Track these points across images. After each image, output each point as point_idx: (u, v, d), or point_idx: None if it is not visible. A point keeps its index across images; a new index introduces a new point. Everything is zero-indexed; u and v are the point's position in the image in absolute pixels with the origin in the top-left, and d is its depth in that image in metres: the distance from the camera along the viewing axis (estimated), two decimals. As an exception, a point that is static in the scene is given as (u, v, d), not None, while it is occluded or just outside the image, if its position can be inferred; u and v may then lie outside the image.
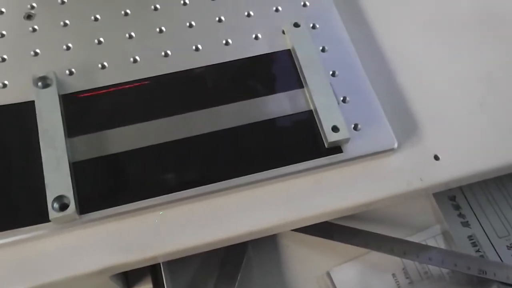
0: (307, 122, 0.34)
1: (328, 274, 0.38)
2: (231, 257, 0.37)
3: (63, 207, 0.30)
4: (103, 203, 0.31)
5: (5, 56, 0.35)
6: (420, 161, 0.35)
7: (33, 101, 0.33)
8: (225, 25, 0.38)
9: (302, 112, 0.34)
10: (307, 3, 0.39)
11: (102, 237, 0.31)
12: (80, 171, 0.31)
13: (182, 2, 0.39)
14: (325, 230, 0.38)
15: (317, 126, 0.34)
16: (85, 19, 0.37)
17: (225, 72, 0.36)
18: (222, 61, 0.36)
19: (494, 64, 0.39)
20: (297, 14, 0.38)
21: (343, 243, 0.38)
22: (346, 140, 0.33)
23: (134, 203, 0.31)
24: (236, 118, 0.34)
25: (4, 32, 0.36)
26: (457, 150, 0.35)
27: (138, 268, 0.32)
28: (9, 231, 0.30)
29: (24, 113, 0.33)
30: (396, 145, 0.34)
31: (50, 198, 0.30)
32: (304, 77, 0.35)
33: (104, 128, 0.33)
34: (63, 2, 0.38)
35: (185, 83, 0.35)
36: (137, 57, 0.36)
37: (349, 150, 0.33)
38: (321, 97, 0.34)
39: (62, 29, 0.37)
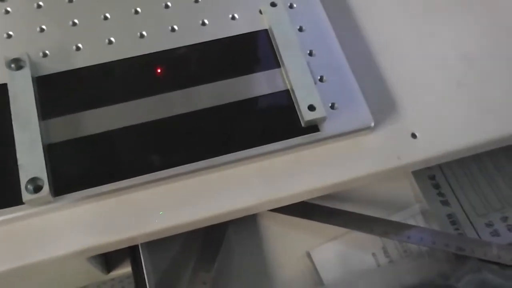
0: (284, 101, 0.34)
1: (308, 254, 0.39)
2: (211, 238, 0.38)
3: (37, 189, 0.30)
4: (78, 185, 0.31)
5: (-23, 38, 0.35)
6: (397, 139, 0.35)
7: (6, 84, 0.33)
8: (201, 6, 0.38)
9: (279, 92, 0.35)
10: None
11: (78, 219, 0.31)
12: (55, 153, 0.32)
13: (157, -18, 0.39)
14: (305, 210, 0.39)
15: (294, 106, 0.34)
16: (59, 1, 0.37)
17: (202, 53, 0.36)
18: (199, 42, 0.36)
19: (471, 44, 0.39)
20: None
21: (322, 223, 0.38)
22: (323, 119, 0.33)
23: (110, 184, 0.31)
24: (213, 98, 0.34)
25: (-24, 14, 0.36)
26: (434, 129, 0.35)
27: (117, 251, 0.33)
28: (-18, 214, 0.30)
29: (-3, 95, 0.33)
30: (373, 124, 0.34)
31: (23, 180, 0.30)
32: (280, 57, 0.35)
33: (79, 110, 0.33)
34: (36, -16, 0.38)
35: (162, 64, 0.35)
36: (112, 39, 0.36)
37: (326, 129, 0.34)
38: (297, 77, 0.34)
39: (36, 11, 0.37)
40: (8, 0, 0.37)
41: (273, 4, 0.37)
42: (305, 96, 0.34)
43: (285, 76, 0.35)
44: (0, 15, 0.36)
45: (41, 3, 0.37)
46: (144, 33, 0.36)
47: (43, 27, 0.36)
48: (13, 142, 0.31)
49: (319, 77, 0.35)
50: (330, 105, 0.35)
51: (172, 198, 0.32)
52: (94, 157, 0.32)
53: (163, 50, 0.36)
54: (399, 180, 0.42)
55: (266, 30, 0.37)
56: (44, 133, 0.32)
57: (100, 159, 0.32)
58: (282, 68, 0.35)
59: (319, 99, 0.33)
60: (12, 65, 0.33)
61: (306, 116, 0.33)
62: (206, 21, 0.37)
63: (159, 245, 0.35)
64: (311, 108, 0.33)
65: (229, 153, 0.33)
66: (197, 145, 0.33)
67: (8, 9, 0.37)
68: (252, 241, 0.39)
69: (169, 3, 0.38)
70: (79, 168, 0.32)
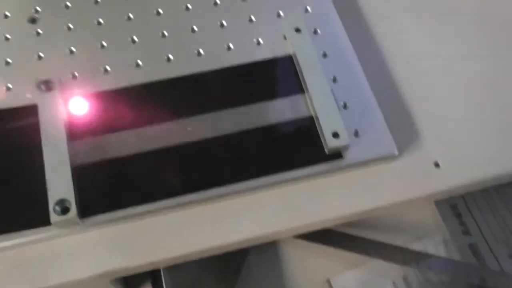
0: (307, 127, 0.35)
1: (328, 282, 0.39)
2: (231, 262, 0.38)
3: (65, 210, 0.30)
4: (104, 207, 0.31)
5: (9, 60, 0.36)
6: (420, 168, 0.35)
7: (37, 105, 0.34)
8: (227, 30, 0.38)
9: (303, 118, 0.35)
10: (309, 9, 0.40)
11: (103, 241, 0.32)
12: (82, 174, 0.32)
13: (184, 7, 0.39)
14: (326, 237, 0.38)
15: (318, 132, 0.34)
16: (88, 24, 0.38)
17: (226, 77, 0.36)
18: (224, 66, 0.37)
19: (496, 71, 0.39)
20: (299, 19, 0.38)
21: (343, 250, 0.38)
22: (347, 146, 0.33)
23: (135, 207, 0.31)
24: (236, 124, 0.34)
25: (8, 36, 0.37)
26: (458, 158, 0.35)
27: (138, 273, 0.33)
28: (10, 233, 0.30)
29: (27, 116, 0.34)
30: (396, 152, 0.34)
31: (51, 201, 0.30)
32: (305, 83, 0.35)
33: (106, 132, 0.34)
34: (67, 7, 0.39)
35: (187, 88, 0.36)
36: (139, 62, 0.37)
37: (349, 156, 0.34)
38: (321, 103, 0.34)
39: (66, 33, 0.38)
40: (39, 22, 0.38)
41: (298, 30, 0.37)
42: (329, 123, 0.34)
43: (309, 102, 0.35)
44: (31, 37, 0.37)
45: (71, 25, 0.38)
46: (170, 56, 0.37)
47: (73, 49, 0.37)
48: (42, 163, 0.32)
49: (342, 104, 0.36)
50: (353, 132, 0.35)
51: (195, 223, 0.32)
52: (120, 180, 0.32)
53: (189, 75, 0.36)
54: (420, 208, 0.42)
55: (290, 56, 0.37)
56: (72, 154, 0.32)
57: (126, 182, 0.32)
58: (306, 94, 0.36)
59: (343, 126, 0.33)
60: (43, 87, 0.34)
61: (330, 143, 0.33)
62: (231, 45, 0.38)
63: (180, 266, 0.35)
64: (335, 135, 0.33)
65: (252, 179, 0.33)
66: (220, 170, 0.33)
67: (39, 31, 0.38)
68: (272, 266, 0.39)
69: (195, 27, 0.38)
70: (106, 190, 0.32)
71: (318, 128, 0.34)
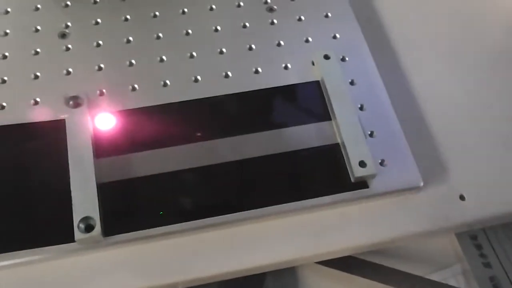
0: (333, 155, 0.34)
1: (346, 309, 0.38)
2: (249, 286, 0.37)
3: (89, 228, 0.30)
4: (127, 226, 0.31)
5: (38, 74, 0.36)
6: (445, 200, 0.35)
7: (64, 120, 0.34)
8: (255, 54, 0.38)
9: (329, 145, 0.35)
10: (337, 35, 0.40)
11: (124, 260, 0.31)
12: (107, 192, 0.32)
13: (214, 28, 0.39)
14: (346, 263, 0.38)
15: (344, 160, 0.34)
16: (117, 41, 0.38)
17: (253, 101, 0.36)
18: (251, 89, 0.37)
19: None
20: (327, 46, 0.39)
21: (363, 277, 0.38)
22: (373, 176, 0.33)
23: (157, 228, 0.31)
24: (261, 148, 0.34)
25: (38, 50, 0.37)
26: (483, 191, 0.35)
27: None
28: (34, 249, 0.30)
29: (54, 131, 0.34)
30: (421, 183, 0.34)
31: (76, 218, 0.30)
32: (332, 110, 0.35)
33: (131, 151, 0.33)
34: (97, 23, 0.39)
35: (213, 110, 0.36)
36: (167, 81, 0.37)
37: (375, 186, 0.33)
38: (349, 131, 0.34)
39: (95, 49, 0.38)
40: (69, 38, 0.38)
41: (327, 57, 0.37)
42: (357, 151, 0.34)
43: (335, 130, 0.35)
44: (60, 52, 0.37)
45: (100, 42, 0.38)
46: (198, 77, 0.37)
47: (101, 65, 0.37)
48: (67, 179, 0.31)
49: (369, 132, 0.36)
50: (379, 161, 0.34)
51: (215, 247, 0.32)
52: (143, 200, 0.32)
53: (215, 96, 0.36)
54: (440, 238, 0.41)
55: (317, 82, 0.37)
56: (97, 172, 0.32)
57: (149, 202, 0.32)
58: (333, 121, 0.35)
59: (370, 155, 0.33)
60: (71, 102, 0.34)
61: (357, 172, 0.33)
62: (259, 69, 0.38)
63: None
64: (362, 164, 0.33)
65: (275, 204, 0.32)
66: (244, 195, 0.33)
67: (69, 46, 0.38)
68: (290, 292, 0.39)
69: (224, 49, 0.38)
70: (129, 209, 0.32)
71: (344, 156, 0.34)
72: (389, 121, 0.36)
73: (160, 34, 0.39)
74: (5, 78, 0.36)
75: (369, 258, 0.39)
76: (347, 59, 0.39)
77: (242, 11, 0.40)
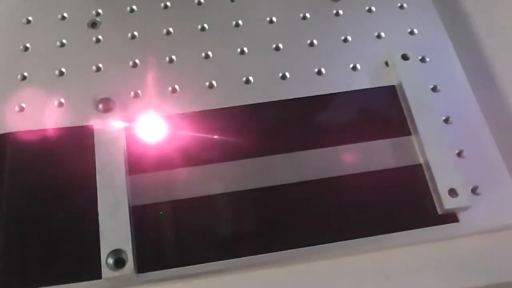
0: (414, 179, 0.28)
1: None
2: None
3: (119, 263, 0.25)
4: (165, 261, 0.26)
5: (63, 70, 0.31)
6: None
7: (92, 127, 0.28)
8: (317, 51, 0.32)
9: (408, 167, 0.28)
10: (415, 31, 0.33)
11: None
12: (140, 219, 0.26)
13: (268, 19, 0.33)
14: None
15: (427, 186, 0.28)
16: (156, 32, 0.32)
17: (314, 108, 0.30)
18: (312, 94, 0.31)
19: None
20: (404, 43, 0.33)
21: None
22: (465, 208, 0.27)
23: (201, 264, 0.25)
24: (324, 168, 0.28)
25: (64, 41, 0.32)
26: None
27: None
28: (53, 286, 0.25)
29: (80, 140, 0.28)
30: (525, 219, 0.27)
31: (104, 251, 0.25)
32: (413, 122, 0.29)
33: (172, 167, 0.28)
34: (132, 10, 0.33)
35: (266, 119, 0.30)
36: (213, 82, 0.31)
37: (467, 220, 0.27)
38: (435, 150, 0.28)
39: (130, 42, 0.32)
40: (100, 27, 0.32)
41: (405, 57, 0.31)
42: (445, 176, 0.27)
43: (417, 147, 0.29)
44: (90, 44, 0.32)
45: (136, 33, 0.32)
46: (250, 78, 0.31)
47: (137, 61, 0.31)
48: (95, 201, 0.26)
49: (457, 152, 0.29)
50: (471, 188, 0.28)
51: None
52: (188, 228, 0.26)
53: (270, 102, 0.30)
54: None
55: (393, 87, 0.31)
56: (131, 192, 0.27)
57: (194, 231, 0.26)
58: (413, 136, 0.29)
59: (462, 182, 0.27)
60: (100, 106, 0.29)
61: (446, 203, 0.26)
62: (322, 70, 0.31)
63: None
64: (453, 193, 0.27)
65: (339, 240, 0.26)
66: (301, 227, 0.27)
67: (100, 37, 0.32)
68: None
69: (280, 45, 0.32)
70: (169, 240, 0.26)
71: (429, 181, 0.28)
72: (481, 137, 0.30)
73: (206, 25, 0.33)
74: (25, 74, 0.31)
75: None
76: (427, 59, 0.32)
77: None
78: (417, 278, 0.27)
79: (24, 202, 0.27)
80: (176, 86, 0.30)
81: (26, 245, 0.26)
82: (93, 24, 0.32)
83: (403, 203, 0.28)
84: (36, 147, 0.28)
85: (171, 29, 0.32)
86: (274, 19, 0.33)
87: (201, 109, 0.29)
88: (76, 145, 0.28)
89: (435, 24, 0.33)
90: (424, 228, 0.27)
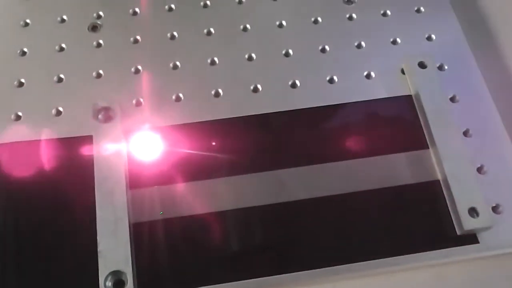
0: (431, 197, 0.26)
1: None
2: None
3: (118, 285, 0.23)
4: (169, 283, 0.24)
5: (61, 76, 0.29)
6: None
7: (91, 137, 0.26)
8: (330, 57, 0.30)
9: (425, 183, 0.27)
10: (433, 36, 0.31)
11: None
12: (142, 237, 0.25)
13: (277, 23, 0.31)
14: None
15: (446, 204, 0.26)
16: (159, 36, 0.31)
17: (326, 119, 0.28)
18: (324, 104, 0.29)
19: None
20: (421, 49, 0.31)
21: None
22: (486, 228, 0.25)
23: (208, 287, 0.24)
24: (335, 184, 0.27)
25: (63, 45, 0.30)
26: None
27: None
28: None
29: (78, 151, 0.27)
30: (550, 240, 0.26)
31: (103, 273, 0.23)
32: (431, 135, 0.27)
33: (174, 181, 0.26)
34: (135, 13, 0.31)
35: (274, 130, 0.28)
36: (219, 90, 0.29)
37: (487, 241, 0.25)
38: (454, 165, 0.26)
39: (132, 46, 0.30)
40: (101, 31, 0.31)
41: (422, 65, 0.29)
42: (465, 194, 0.25)
43: (435, 162, 0.27)
44: (90, 48, 0.30)
45: (138, 37, 0.31)
46: (259, 86, 0.29)
47: (139, 67, 0.30)
48: (93, 217, 0.24)
49: (477, 167, 0.27)
50: (492, 207, 0.26)
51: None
52: (193, 247, 0.25)
53: (279, 112, 0.28)
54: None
55: (409, 97, 0.29)
56: (132, 208, 0.25)
57: (201, 250, 0.25)
58: (431, 149, 0.27)
59: (483, 200, 0.25)
60: (100, 115, 0.27)
61: (466, 223, 0.25)
62: (335, 77, 0.29)
63: None
64: (473, 212, 0.25)
65: (354, 262, 0.25)
66: (312, 246, 0.25)
67: (101, 41, 0.30)
68: None
69: (290, 51, 0.30)
70: (173, 259, 0.24)
71: (447, 198, 0.26)
72: (503, 151, 0.28)
73: (212, 29, 0.31)
74: (22, 80, 0.29)
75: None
76: (446, 67, 0.30)
77: (312, 2, 0.32)
78: (434, 301, 0.25)
79: (16, 220, 0.25)
80: (180, 94, 0.29)
81: (19, 264, 0.24)
82: (94, 28, 0.31)
83: (420, 223, 0.26)
84: (32, 159, 0.26)
85: (175, 33, 0.31)
86: (284, 23, 0.31)
87: (206, 119, 0.28)
88: (74, 157, 0.26)
89: (454, 29, 0.31)
90: (442, 250, 0.25)
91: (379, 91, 0.29)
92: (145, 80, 0.29)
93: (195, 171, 0.26)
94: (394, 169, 0.27)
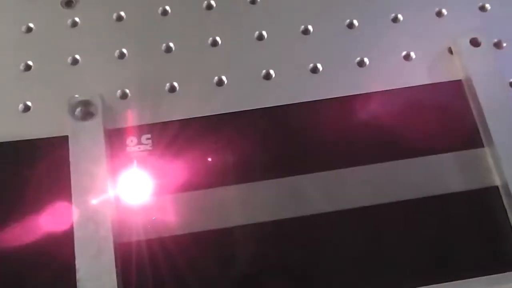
0: (488, 207, 0.26)
1: None
2: None
3: (101, 320, 0.22)
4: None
5: (29, 62, 0.29)
6: None
7: (67, 137, 0.26)
8: (359, 34, 0.30)
9: (479, 190, 0.26)
10: (487, 6, 0.31)
11: None
12: (128, 259, 0.24)
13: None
14: None
15: (507, 217, 0.25)
16: (149, 12, 0.31)
17: (355, 112, 0.28)
18: (352, 93, 0.29)
19: None
20: (473, 24, 0.30)
21: None
22: (557, 249, 0.24)
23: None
24: (366, 193, 0.26)
25: (31, 25, 0.30)
26: None
27: None
28: None
29: (51, 155, 0.26)
30: None
31: (83, 304, 0.23)
32: (486, 130, 0.27)
33: (167, 191, 0.26)
34: (118, -16, 0.31)
35: (291, 126, 0.28)
36: (223, 78, 0.29)
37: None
38: (517, 169, 0.25)
39: (115, 25, 0.31)
40: (76, 7, 0.31)
41: (475, 43, 0.29)
42: (531, 205, 0.24)
43: (492, 164, 0.26)
44: (64, 28, 0.30)
45: (122, 13, 0.31)
46: (271, 72, 0.29)
47: (124, 50, 0.30)
48: (71, 238, 0.24)
49: (544, 170, 0.26)
50: (561, 221, 0.25)
51: None
52: (190, 271, 0.24)
53: (297, 103, 0.28)
54: None
55: (459, 82, 0.28)
56: (116, 226, 0.24)
57: (196, 274, 0.24)
58: (486, 149, 0.27)
59: (553, 214, 0.24)
60: (77, 111, 0.26)
61: (533, 241, 0.24)
62: (365, 59, 0.30)
63: None
64: (541, 228, 0.24)
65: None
66: (337, 270, 0.25)
67: (77, 19, 0.31)
68: None
69: (309, 27, 0.30)
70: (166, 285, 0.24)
71: (508, 210, 0.25)
72: None
73: (212, 2, 0.31)
74: (-20, 68, 0.29)
75: None
76: (504, 44, 0.30)
77: (337, -34, 0.32)
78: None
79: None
80: (175, 83, 0.29)
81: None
82: (68, 3, 0.31)
83: (473, 241, 0.25)
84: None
85: (167, 8, 0.31)
86: (294, -3, 0.31)
87: (207, 114, 0.28)
88: (46, 163, 0.26)
89: (513, -5, 0.31)
90: (501, 274, 0.24)
91: (420, 75, 0.29)
92: (131, 67, 0.29)
93: (194, 178, 0.26)
94: (439, 174, 0.27)
